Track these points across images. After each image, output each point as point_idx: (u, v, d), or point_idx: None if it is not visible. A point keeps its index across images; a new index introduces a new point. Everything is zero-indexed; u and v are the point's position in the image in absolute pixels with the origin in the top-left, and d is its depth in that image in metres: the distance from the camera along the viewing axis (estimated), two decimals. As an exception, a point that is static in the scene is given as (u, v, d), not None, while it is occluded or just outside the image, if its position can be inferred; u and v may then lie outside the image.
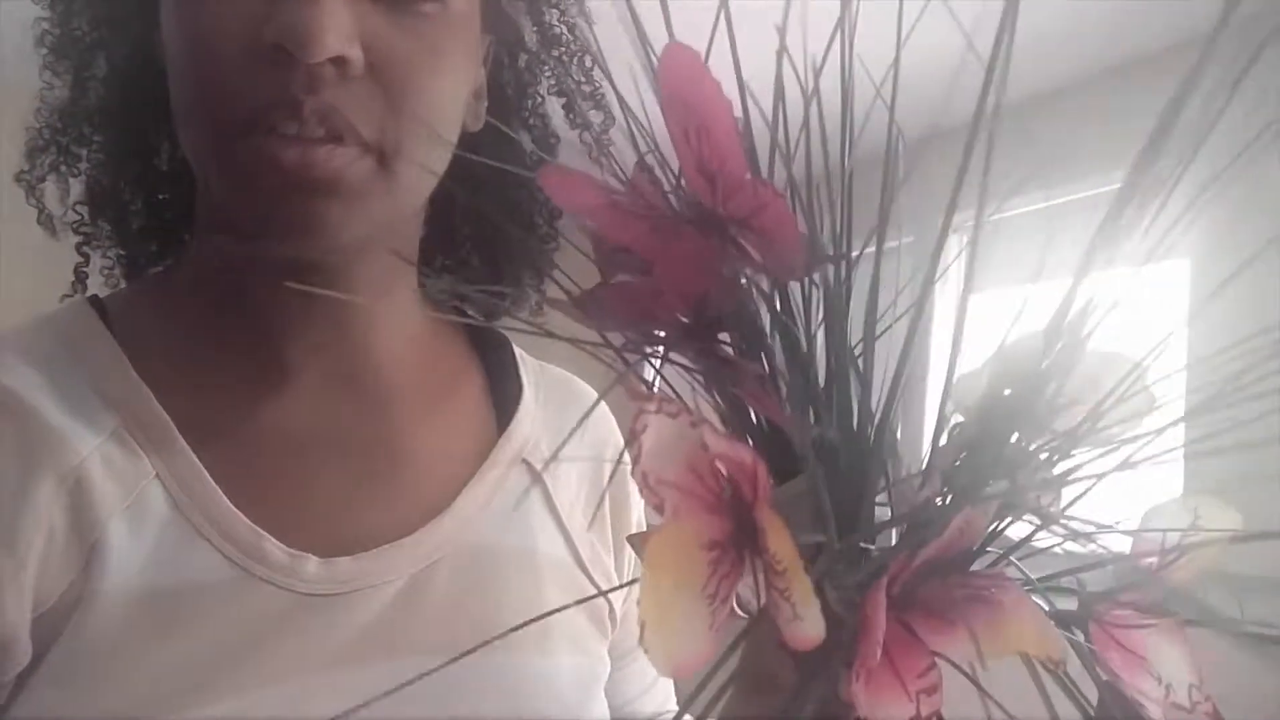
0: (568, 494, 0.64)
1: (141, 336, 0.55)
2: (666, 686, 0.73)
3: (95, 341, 0.54)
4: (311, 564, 0.52)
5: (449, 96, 0.53)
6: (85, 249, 0.63)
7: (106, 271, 0.64)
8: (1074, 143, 3.15)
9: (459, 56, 0.54)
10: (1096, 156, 3.08)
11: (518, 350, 0.68)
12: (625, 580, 0.67)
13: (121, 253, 0.64)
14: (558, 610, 0.59)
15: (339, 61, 0.47)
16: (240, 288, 0.56)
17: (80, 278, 0.63)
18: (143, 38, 0.55)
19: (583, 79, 0.66)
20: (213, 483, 0.52)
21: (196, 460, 0.52)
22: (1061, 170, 3.11)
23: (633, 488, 0.69)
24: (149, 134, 0.61)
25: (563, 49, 0.65)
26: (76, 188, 0.62)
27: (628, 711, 0.69)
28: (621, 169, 0.35)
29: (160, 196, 0.63)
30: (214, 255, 0.57)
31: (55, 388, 0.51)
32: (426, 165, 0.52)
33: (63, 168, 0.61)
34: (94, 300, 0.57)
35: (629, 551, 0.67)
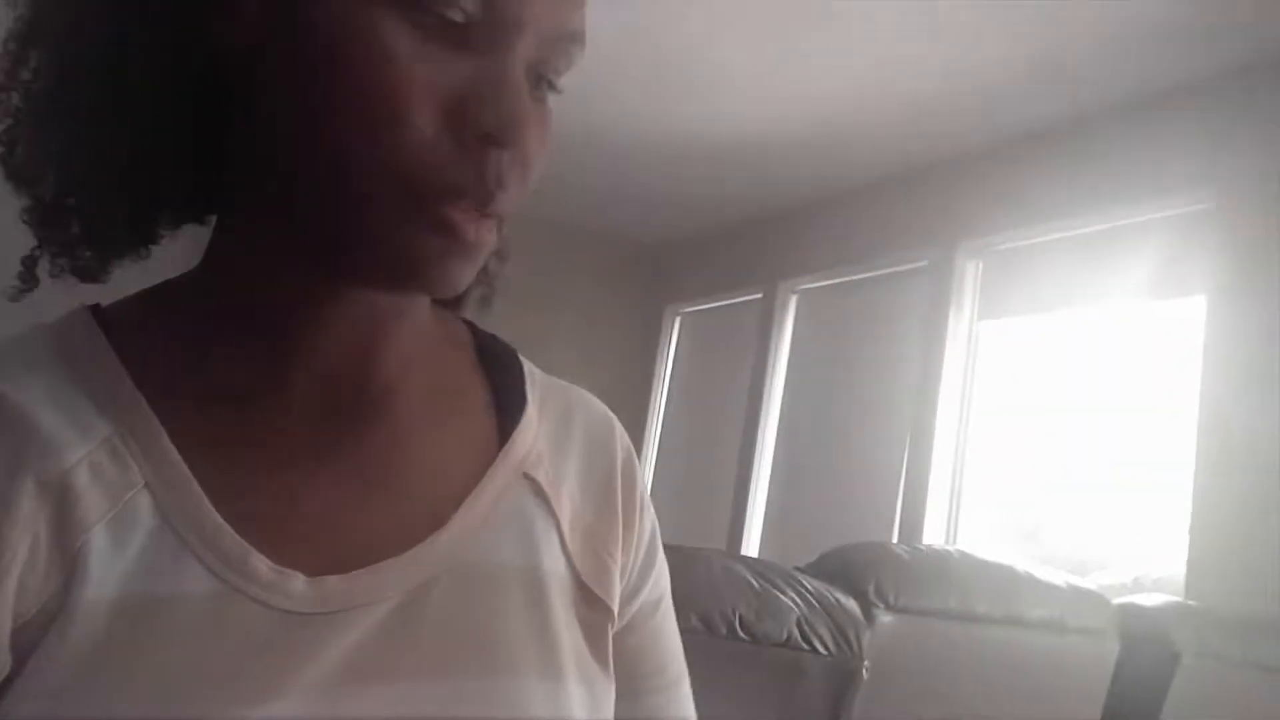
0: (571, 507, 0.62)
1: (141, 346, 0.54)
2: None
3: (93, 350, 0.53)
4: (298, 581, 0.51)
5: None
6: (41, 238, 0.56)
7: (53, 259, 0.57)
8: (1099, 173, 3.14)
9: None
10: (1119, 188, 3.07)
11: (526, 363, 0.67)
12: (631, 594, 0.65)
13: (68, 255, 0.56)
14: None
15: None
16: (270, 307, 0.55)
17: (29, 267, 0.56)
18: (170, 19, 0.51)
19: None
20: (201, 494, 0.51)
21: (187, 470, 0.51)
22: (1077, 202, 3.10)
23: (642, 497, 0.67)
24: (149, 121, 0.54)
25: None
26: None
27: None
28: None
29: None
30: (256, 276, 0.55)
31: (49, 394, 0.51)
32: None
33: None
34: (95, 309, 0.56)
35: (637, 564, 0.66)
